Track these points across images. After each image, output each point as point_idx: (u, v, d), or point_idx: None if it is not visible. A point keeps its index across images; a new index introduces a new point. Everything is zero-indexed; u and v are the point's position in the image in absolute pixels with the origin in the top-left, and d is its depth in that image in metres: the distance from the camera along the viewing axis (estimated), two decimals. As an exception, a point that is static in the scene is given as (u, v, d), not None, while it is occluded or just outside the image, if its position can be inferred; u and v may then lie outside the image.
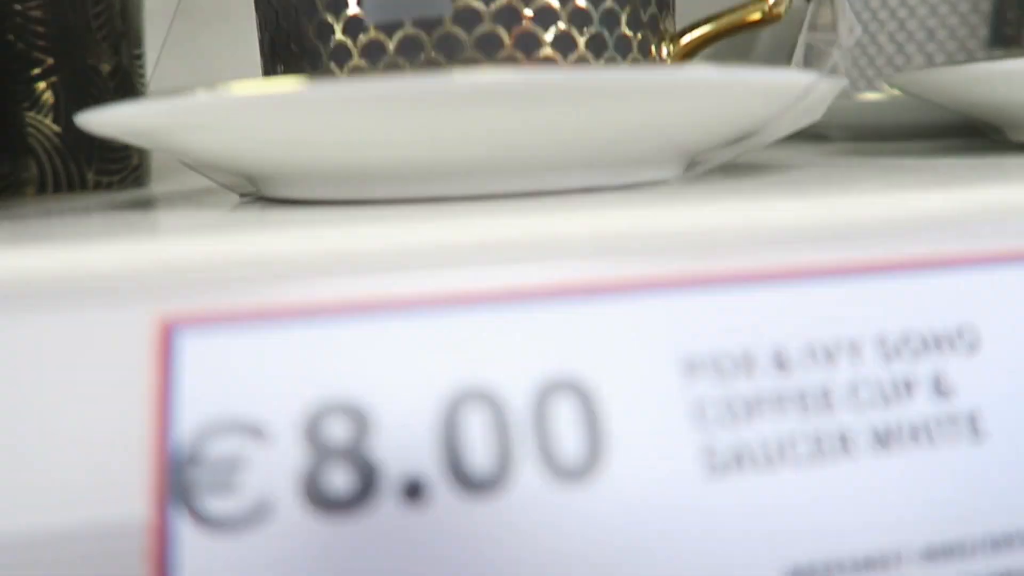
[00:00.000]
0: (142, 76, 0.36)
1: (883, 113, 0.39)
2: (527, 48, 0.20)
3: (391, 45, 0.20)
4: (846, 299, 0.16)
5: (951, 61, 0.43)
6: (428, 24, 0.20)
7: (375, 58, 0.21)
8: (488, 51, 0.20)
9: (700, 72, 0.18)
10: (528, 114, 0.18)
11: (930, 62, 0.43)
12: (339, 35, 0.21)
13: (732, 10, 0.23)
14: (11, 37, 0.31)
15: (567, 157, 0.21)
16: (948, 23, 0.42)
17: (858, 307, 0.16)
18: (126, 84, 0.34)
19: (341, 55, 0.21)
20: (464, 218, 0.16)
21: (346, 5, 0.21)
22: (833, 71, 0.22)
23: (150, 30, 0.37)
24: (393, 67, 0.20)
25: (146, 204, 0.24)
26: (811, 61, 0.23)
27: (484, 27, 0.20)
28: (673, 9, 0.24)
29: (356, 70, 0.21)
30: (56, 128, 0.32)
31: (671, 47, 0.23)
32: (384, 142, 0.20)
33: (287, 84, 0.17)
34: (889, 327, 0.16)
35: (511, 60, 0.20)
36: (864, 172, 0.23)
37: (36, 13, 0.31)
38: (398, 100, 0.17)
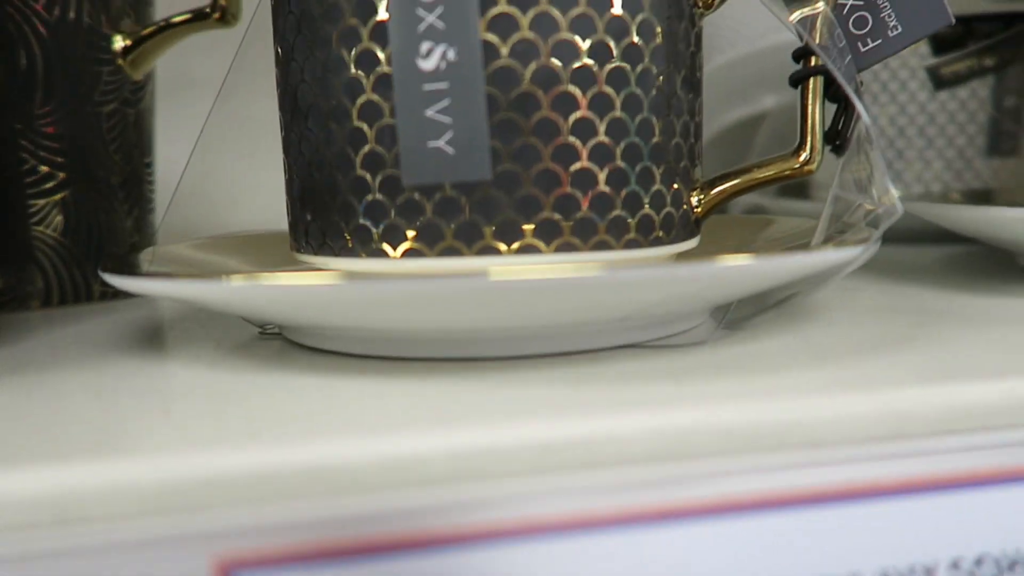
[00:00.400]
0: (151, 183, 0.35)
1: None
2: (566, 211, 0.20)
3: (429, 206, 0.20)
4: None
5: (949, 168, 0.44)
6: (468, 187, 0.20)
7: (412, 218, 0.20)
8: (527, 214, 0.20)
9: (743, 263, 0.18)
10: (565, 304, 0.18)
11: (928, 168, 0.44)
12: (376, 194, 0.21)
13: (767, 163, 0.23)
14: (24, 154, 0.30)
15: (603, 327, 0.20)
16: (946, 132, 0.43)
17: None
18: (135, 193, 0.34)
19: (377, 213, 0.21)
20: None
21: (384, 164, 0.20)
22: (860, 225, 0.22)
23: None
24: (430, 228, 0.20)
25: (158, 341, 0.24)
26: (839, 213, 0.23)
27: (523, 190, 0.20)
28: (702, 156, 0.24)
29: (391, 228, 0.21)
30: (64, 241, 0.31)
31: (702, 196, 0.23)
32: (419, 325, 0.20)
33: (322, 278, 0.17)
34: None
35: (550, 223, 0.20)
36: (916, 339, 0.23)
37: (49, 129, 0.31)
38: (433, 300, 0.17)
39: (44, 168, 0.31)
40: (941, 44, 0.38)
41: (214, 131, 0.27)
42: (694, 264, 0.18)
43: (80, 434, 0.16)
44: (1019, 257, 0.32)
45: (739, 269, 0.18)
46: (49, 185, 0.31)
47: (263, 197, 0.33)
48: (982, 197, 0.39)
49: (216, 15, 0.32)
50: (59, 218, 0.31)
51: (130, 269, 0.22)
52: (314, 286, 0.17)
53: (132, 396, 0.19)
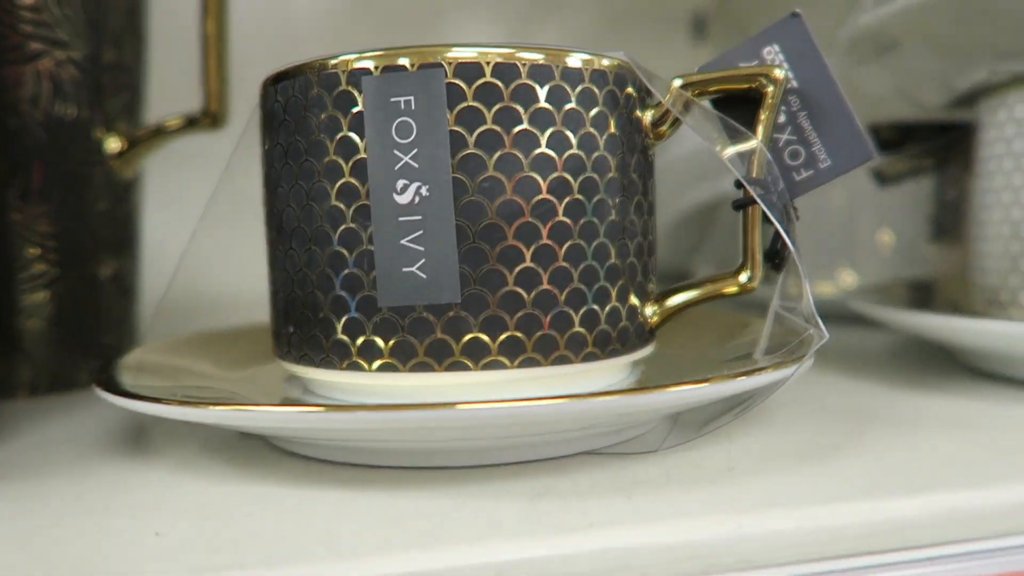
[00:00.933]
0: (139, 275, 0.37)
1: (836, 305, 0.42)
2: (529, 330, 0.22)
3: (403, 325, 0.22)
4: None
5: (897, 253, 0.46)
6: (439, 309, 0.22)
7: (387, 336, 0.22)
8: (493, 333, 0.22)
9: (694, 390, 0.20)
10: (527, 427, 0.20)
11: (876, 254, 0.47)
12: (353, 312, 0.22)
13: (713, 280, 0.25)
14: (18, 250, 0.32)
15: (566, 436, 0.22)
16: (894, 222, 0.46)
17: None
18: (124, 285, 0.35)
19: (354, 330, 0.22)
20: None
21: (362, 286, 0.22)
22: (802, 327, 0.24)
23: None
24: (403, 345, 0.22)
25: (145, 441, 0.25)
26: (780, 321, 0.25)
27: (489, 311, 0.22)
28: (656, 271, 0.26)
29: (367, 345, 0.22)
30: (53, 332, 0.33)
31: (656, 307, 0.25)
32: (395, 442, 0.21)
33: (299, 409, 0.19)
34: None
35: (514, 341, 0.22)
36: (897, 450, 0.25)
37: (45, 227, 0.32)
38: (407, 429, 0.19)
39: (38, 265, 0.32)
40: (884, 145, 0.41)
41: (211, 215, 0.28)
42: (643, 394, 0.20)
43: (71, 557, 0.17)
44: (955, 353, 0.34)
45: (686, 394, 0.20)
46: (41, 280, 0.32)
47: (254, 279, 0.34)
48: (924, 290, 0.41)
49: (206, 120, 0.34)
50: (49, 310, 0.33)
51: (119, 385, 0.23)
52: (292, 415, 0.19)
53: (122, 515, 0.20)
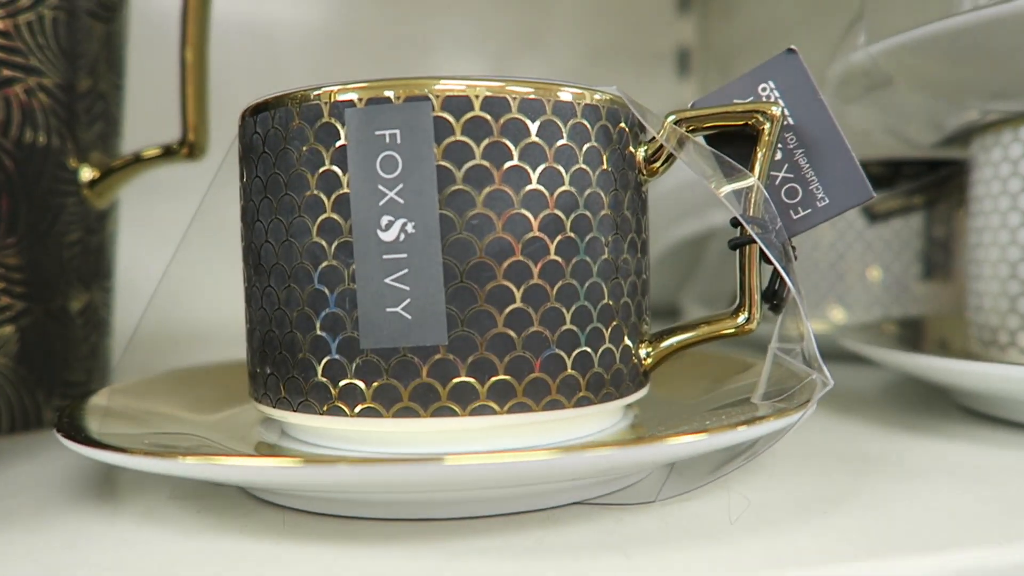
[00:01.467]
0: (110, 308, 0.35)
1: (825, 342, 0.41)
2: (518, 373, 0.21)
3: (386, 369, 0.21)
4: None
5: (887, 292, 0.46)
6: (424, 351, 0.21)
7: (369, 379, 0.21)
8: (481, 377, 0.21)
9: (693, 441, 0.19)
10: (516, 481, 0.19)
11: (867, 291, 0.46)
12: (334, 353, 0.21)
13: (709, 321, 0.24)
14: (-17, 285, 0.30)
15: (557, 487, 0.21)
16: (883, 259, 0.45)
17: None
18: (93, 320, 0.34)
19: (335, 372, 0.21)
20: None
21: (344, 327, 0.21)
22: (802, 370, 0.23)
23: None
24: (386, 389, 0.21)
25: (110, 489, 0.24)
26: (779, 364, 0.24)
27: (478, 354, 0.21)
28: (650, 311, 0.25)
29: (349, 388, 0.21)
30: (18, 369, 0.31)
31: (650, 349, 0.24)
32: (379, 498, 0.20)
33: (274, 462, 0.18)
34: None
35: (503, 385, 0.21)
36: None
37: (12, 260, 0.31)
38: (393, 484, 0.18)
39: (3, 299, 0.31)
40: (874, 183, 0.40)
41: (187, 248, 0.27)
42: (638, 447, 0.19)
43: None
44: (948, 392, 0.33)
45: (682, 446, 0.19)
46: (7, 315, 0.31)
47: (229, 313, 0.33)
48: (915, 327, 0.40)
49: (184, 150, 0.33)
50: (14, 346, 0.31)
51: (83, 430, 0.22)
52: (267, 468, 0.18)
53: (84, 568, 0.19)
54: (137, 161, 0.33)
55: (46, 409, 0.32)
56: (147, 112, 0.38)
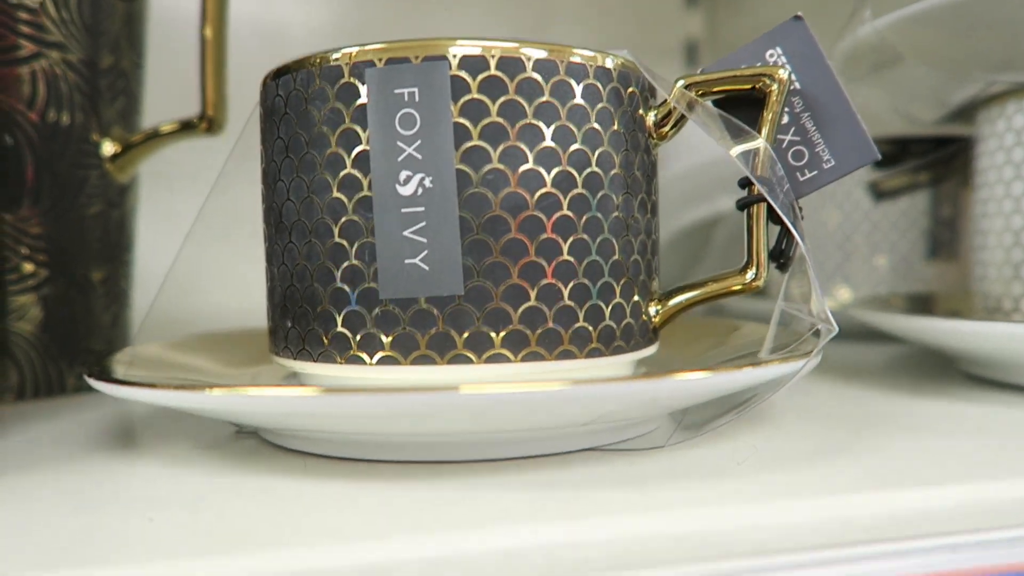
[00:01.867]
0: (130, 280, 0.36)
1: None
2: (532, 324, 0.22)
3: (404, 318, 0.22)
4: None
5: (894, 271, 0.46)
6: (441, 301, 0.22)
7: (388, 329, 0.22)
8: (496, 326, 0.22)
9: (695, 377, 0.20)
10: (531, 415, 0.20)
11: (874, 271, 0.47)
12: (354, 304, 0.22)
13: (716, 279, 0.25)
14: (8, 252, 0.31)
15: (569, 431, 0.22)
16: (889, 239, 0.46)
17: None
18: (114, 290, 0.35)
19: (355, 323, 0.22)
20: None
21: (363, 278, 0.22)
22: (806, 334, 0.24)
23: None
24: (405, 338, 0.22)
25: (134, 440, 0.25)
26: (786, 322, 0.25)
27: (493, 304, 0.22)
28: (659, 271, 0.26)
29: (368, 338, 0.22)
30: (41, 336, 0.32)
31: (659, 307, 0.25)
32: (395, 432, 0.21)
33: (299, 391, 0.18)
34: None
35: (517, 335, 0.22)
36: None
37: (35, 229, 0.32)
38: (407, 413, 0.18)
39: (27, 266, 0.32)
40: (881, 161, 0.41)
41: (202, 226, 0.28)
42: (649, 380, 0.20)
43: (67, 544, 0.17)
44: (955, 361, 0.34)
45: (691, 383, 0.20)
46: (30, 283, 0.32)
47: (246, 291, 0.34)
48: (922, 301, 0.41)
49: (203, 125, 0.34)
50: (38, 314, 0.32)
51: (111, 374, 0.23)
52: (292, 398, 0.18)
53: (114, 503, 0.19)
54: (157, 136, 0.34)
55: (69, 376, 0.33)
56: (164, 90, 0.39)
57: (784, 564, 0.17)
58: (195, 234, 0.28)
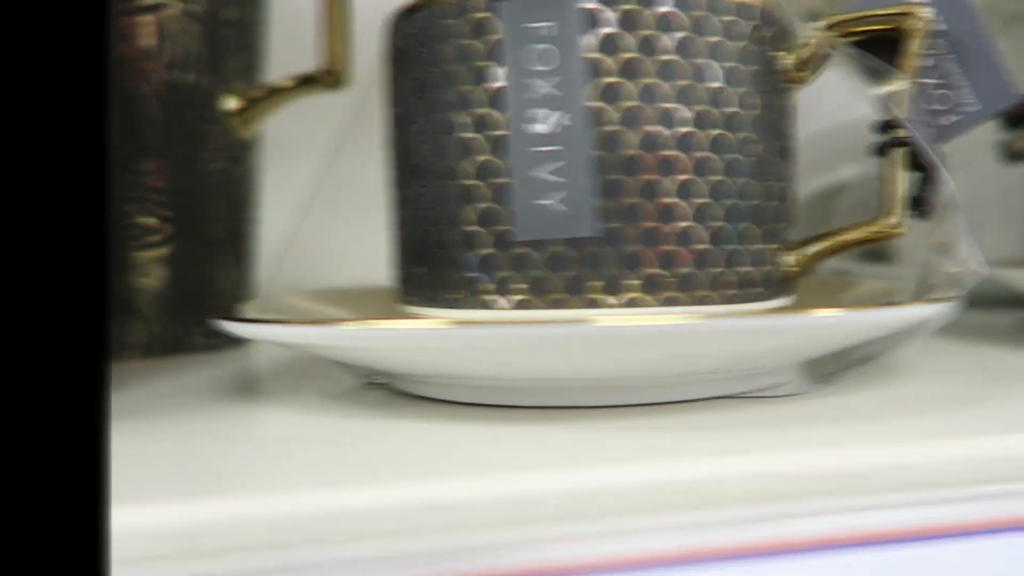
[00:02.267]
0: (255, 240, 0.37)
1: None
2: (670, 267, 0.21)
3: (540, 260, 0.21)
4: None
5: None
6: (577, 243, 0.21)
7: (523, 271, 0.22)
8: (632, 268, 0.21)
9: (838, 315, 0.19)
10: (667, 351, 0.19)
11: (1004, 237, 0.44)
12: (489, 248, 0.22)
13: (855, 226, 0.24)
14: (131, 207, 0.32)
15: (699, 378, 0.21)
16: (1021, 202, 0.44)
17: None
18: (239, 249, 0.35)
19: (489, 266, 0.22)
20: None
21: (498, 220, 0.22)
22: (947, 287, 0.23)
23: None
24: (540, 281, 0.21)
25: (264, 391, 0.25)
26: (928, 275, 0.24)
27: (629, 247, 0.21)
28: (794, 218, 0.25)
29: (503, 281, 0.22)
30: (167, 293, 0.33)
31: (799, 255, 0.24)
32: (525, 371, 0.21)
33: (435, 323, 0.18)
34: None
35: (654, 278, 0.21)
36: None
37: (158, 184, 0.32)
38: (542, 344, 0.18)
39: (151, 221, 0.32)
40: (1013, 120, 0.39)
41: (324, 193, 0.28)
42: (792, 316, 0.19)
43: (206, 474, 0.17)
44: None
45: (834, 321, 0.19)
46: (154, 239, 0.32)
47: (366, 257, 0.34)
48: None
49: (328, 79, 0.34)
50: (163, 271, 0.33)
51: (241, 318, 0.23)
52: (429, 330, 0.18)
53: (250, 441, 0.20)
54: (280, 91, 0.34)
55: (195, 334, 0.33)
56: (286, 45, 0.39)
57: (929, 499, 0.17)
58: (319, 200, 0.29)
